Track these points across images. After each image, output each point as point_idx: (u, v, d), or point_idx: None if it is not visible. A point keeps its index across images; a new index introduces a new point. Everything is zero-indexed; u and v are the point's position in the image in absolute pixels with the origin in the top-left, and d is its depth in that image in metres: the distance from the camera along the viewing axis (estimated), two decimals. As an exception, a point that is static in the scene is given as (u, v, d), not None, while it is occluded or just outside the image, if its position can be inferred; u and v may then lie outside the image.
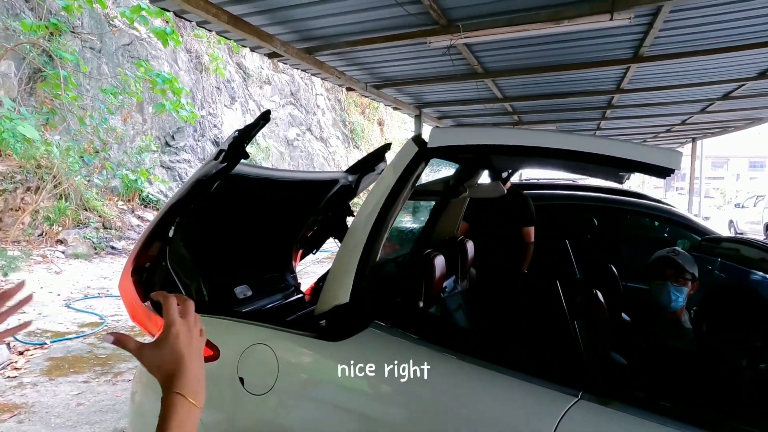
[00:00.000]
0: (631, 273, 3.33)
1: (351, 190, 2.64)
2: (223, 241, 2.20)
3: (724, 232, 4.14)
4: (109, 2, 11.14)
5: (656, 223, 4.50)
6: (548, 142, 1.48)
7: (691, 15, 4.05)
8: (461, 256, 2.26)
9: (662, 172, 1.28)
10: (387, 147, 2.78)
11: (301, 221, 2.63)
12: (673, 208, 4.45)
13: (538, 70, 5.69)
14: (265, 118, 1.70)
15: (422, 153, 1.55)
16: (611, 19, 3.69)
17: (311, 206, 2.59)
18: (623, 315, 2.17)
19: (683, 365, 1.68)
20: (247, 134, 1.66)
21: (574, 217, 4.49)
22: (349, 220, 2.88)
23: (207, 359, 1.59)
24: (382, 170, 2.73)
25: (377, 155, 2.65)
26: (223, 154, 1.64)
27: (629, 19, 3.68)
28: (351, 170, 2.62)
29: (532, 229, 3.41)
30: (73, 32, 10.85)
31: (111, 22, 11.86)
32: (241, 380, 1.54)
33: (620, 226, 4.33)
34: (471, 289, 2.32)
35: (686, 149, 15.04)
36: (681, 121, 9.79)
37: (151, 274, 1.83)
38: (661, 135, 12.10)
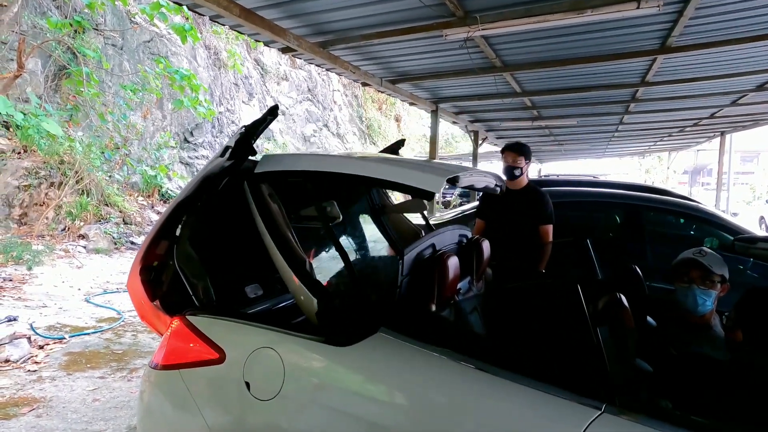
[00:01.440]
0: (656, 273, 3.20)
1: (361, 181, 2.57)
2: (232, 240, 2.16)
3: (754, 229, 3.96)
4: None
5: (682, 221, 4.34)
6: (333, 167, 1.65)
7: (726, 1, 3.86)
8: (476, 256, 2.18)
9: (424, 194, 1.36)
10: (401, 143, 2.72)
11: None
12: (699, 205, 4.28)
13: (558, 63, 5.53)
14: (272, 113, 1.65)
15: (251, 178, 1.70)
16: (638, 8, 3.53)
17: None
18: (648, 319, 2.06)
19: (713, 374, 1.58)
20: (254, 130, 1.61)
21: (595, 214, 4.35)
22: (362, 217, 2.83)
23: (213, 362, 1.57)
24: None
25: (391, 151, 2.59)
26: (230, 150, 1.59)
27: (658, 6, 3.51)
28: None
29: (550, 228, 3.29)
30: (96, 29, 11.02)
31: (132, 18, 12.01)
32: (247, 385, 1.50)
33: (644, 223, 4.17)
34: (486, 291, 2.24)
35: (714, 143, 14.59)
36: (710, 114, 9.45)
37: (159, 273, 1.80)
38: (687, 129, 11.73)
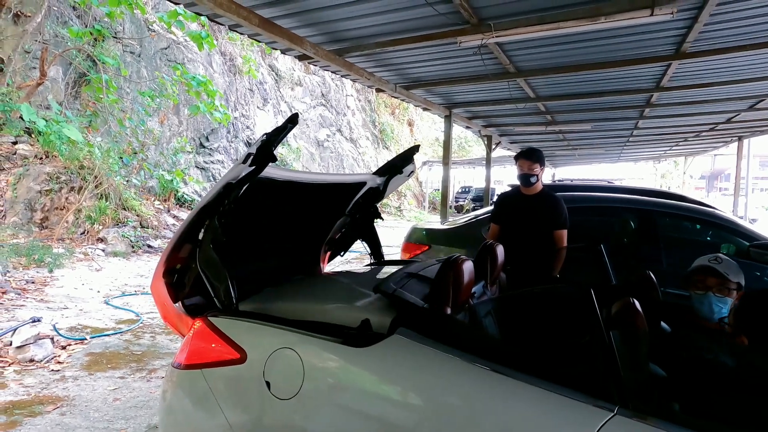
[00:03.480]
0: (671, 279, 3.19)
1: (379, 193, 2.63)
2: (252, 244, 2.22)
3: (773, 236, 3.91)
4: (148, 8, 11.53)
5: (698, 227, 4.31)
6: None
7: (741, 7, 3.84)
8: (490, 260, 2.21)
9: None
10: (416, 149, 2.76)
11: (329, 223, 2.63)
12: (716, 211, 4.24)
13: (572, 69, 5.53)
14: (292, 121, 1.70)
15: None
16: (652, 14, 3.53)
17: (339, 209, 2.59)
18: (663, 324, 2.07)
19: (727, 380, 1.59)
20: (275, 138, 1.66)
21: (609, 220, 4.34)
22: (377, 222, 2.88)
23: (234, 362, 1.62)
24: (411, 172, 2.73)
25: (405, 157, 2.63)
26: (251, 157, 1.64)
27: (671, 13, 3.51)
28: (379, 173, 2.61)
29: (564, 233, 3.30)
30: (115, 37, 11.28)
31: (150, 27, 12.26)
32: (268, 384, 1.54)
33: (659, 229, 4.15)
34: (501, 295, 2.26)
35: (732, 148, 14.38)
36: (726, 120, 9.34)
37: (182, 275, 1.86)
38: (704, 134, 11.59)
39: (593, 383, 1.27)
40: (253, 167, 1.68)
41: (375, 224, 2.85)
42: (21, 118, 8.69)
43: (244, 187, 1.76)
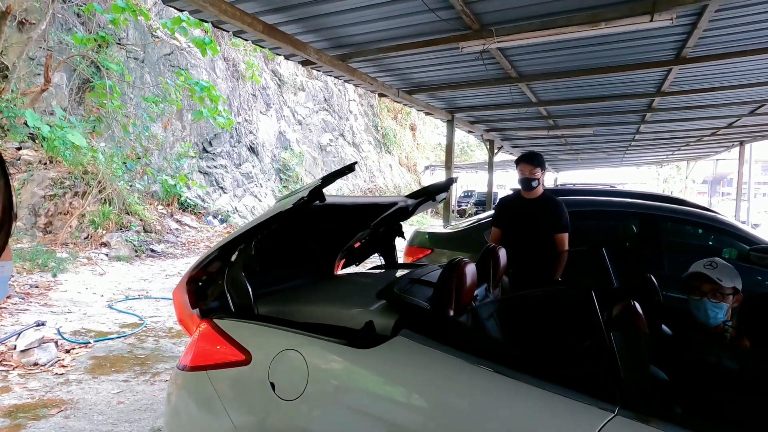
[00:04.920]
0: (673, 283, 3.20)
1: (407, 213, 2.68)
2: (277, 256, 2.25)
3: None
4: (151, 14, 11.62)
5: (700, 231, 4.32)
6: None
7: (740, 13, 3.88)
8: (493, 263, 2.23)
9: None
10: (453, 180, 2.86)
11: (350, 235, 2.67)
12: (718, 215, 4.25)
13: (573, 74, 5.57)
14: (350, 169, 1.73)
15: None
16: (652, 20, 3.57)
17: (365, 223, 2.63)
18: (664, 327, 2.08)
19: (727, 382, 1.60)
20: (329, 182, 1.67)
21: (611, 224, 4.35)
22: (398, 240, 2.94)
23: (239, 363, 1.64)
24: (443, 199, 2.81)
25: (442, 187, 2.71)
26: (303, 200, 1.62)
27: (671, 19, 3.54)
28: (412, 195, 2.69)
29: (566, 236, 3.32)
30: (119, 44, 11.37)
31: (154, 33, 12.36)
32: (272, 385, 1.56)
33: (661, 233, 4.16)
34: (503, 297, 2.28)
35: (734, 153, 14.39)
36: (728, 124, 9.36)
37: (206, 286, 1.89)
38: (705, 138, 11.61)
39: (594, 384, 1.29)
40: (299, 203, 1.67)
41: (395, 241, 2.92)
42: (25, 123, 8.75)
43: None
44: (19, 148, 9.09)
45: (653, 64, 5.16)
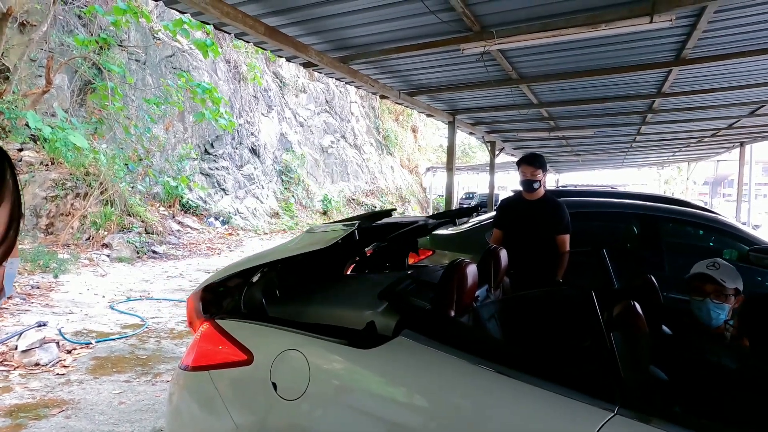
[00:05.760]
0: (674, 283, 3.20)
1: (425, 230, 2.70)
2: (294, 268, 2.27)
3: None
4: (153, 16, 11.66)
5: (701, 232, 4.32)
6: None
7: (738, 14, 3.89)
8: (494, 264, 2.24)
9: None
10: (476, 209, 2.90)
11: (364, 245, 2.69)
12: (718, 216, 4.26)
13: (574, 75, 5.58)
14: (388, 214, 1.74)
15: None
16: (651, 22, 3.58)
17: (382, 237, 2.66)
18: (664, 327, 2.09)
19: (727, 382, 1.60)
20: (366, 223, 1.69)
21: (612, 225, 4.36)
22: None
23: (241, 363, 1.64)
24: (464, 223, 2.86)
25: (465, 213, 2.75)
26: (341, 240, 1.63)
27: (670, 21, 3.55)
28: (434, 216, 2.74)
29: (567, 238, 3.33)
30: (121, 46, 11.40)
31: (155, 35, 12.39)
32: (274, 385, 1.57)
33: (662, 234, 4.17)
34: (504, 298, 2.29)
35: (734, 154, 14.39)
36: (728, 125, 9.37)
37: (222, 297, 1.91)
38: (706, 140, 11.61)
39: (594, 384, 1.29)
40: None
41: (406, 257, 2.96)
42: (27, 125, 8.77)
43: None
44: (20, 150, 9.11)
45: (653, 65, 5.17)
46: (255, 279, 1.82)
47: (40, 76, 9.62)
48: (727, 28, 4.19)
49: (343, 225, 1.68)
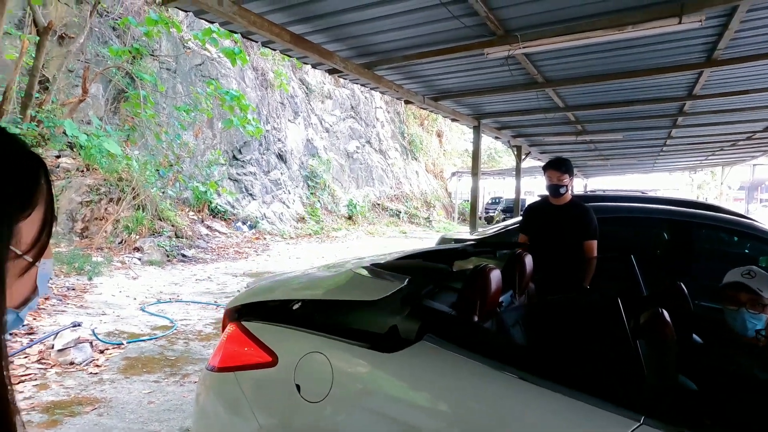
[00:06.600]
0: (706, 291, 3.11)
1: (466, 255, 2.76)
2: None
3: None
4: (183, 26, 12.00)
5: (735, 239, 4.18)
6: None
7: (773, 14, 3.76)
8: (519, 270, 2.22)
9: None
10: (519, 247, 2.95)
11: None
12: (755, 223, 4.11)
13: (601, 78, 5.48)
14: (440, 273, 1.76)
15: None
16: (680, 23, 3.49)
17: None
18: (694, 336, 2.03)
19: (759, 394, 1.55)
20: (420, 288, 1.71)
21: (641, 231, 4.26)
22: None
23: (266, 365, 1.68)
24: (503, 254, 2.91)
25: (503, 246, 2.81)
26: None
27: (700, 21, 3.46)
28: (478, 244, 2.78)
29: (594, 243, 3.26)
30: (152, 55, 11.77)
31: (185, 44, 12.75)
32: (298, 387, 1.59)
33: (694, 241, 4.05)
34: (529, 304, 2.26)
35: (772, 158, 13.84)
36: (764, 128, 9.03)
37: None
38: (740, 143, 11.21)
39: (619, 392, 1.27)
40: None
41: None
42: (64, 133, 9.14)
43: None
44: (58, 156, 9.49)
45: (683, 67, 5.04)
46: (295, 307, 1.83)
47: (77, 85, 10.02)
48: (760, 28, 4.05)
49: (391, 276, 1.67)
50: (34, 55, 8.96)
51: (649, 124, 8.64)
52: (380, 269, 1.80)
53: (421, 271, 1.73)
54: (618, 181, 28.79)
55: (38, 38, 8.96)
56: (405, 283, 1.60)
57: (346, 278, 1.84)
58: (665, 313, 1.57)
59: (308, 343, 1.64)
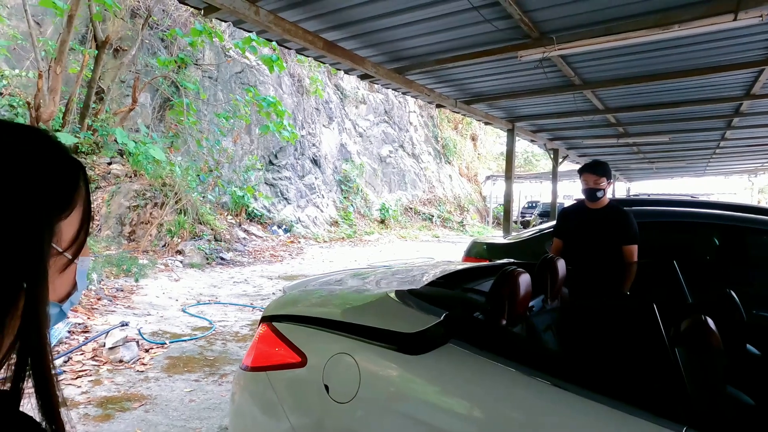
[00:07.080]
0: (763, 300, 2.94)
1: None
2: None
3: None
4: (225, 35, 12.41)
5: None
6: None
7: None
8: (550, 275, 2.16)
9: None
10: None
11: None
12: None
13: (644, 79, 5.28)
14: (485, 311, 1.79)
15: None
16: (735, 19, 3.29)
17: None
18: (749, 347, 1.92)
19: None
20: (454, 320, 1.69)
21: (689, 236, 4.06)
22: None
23: (296, 365, 1.70)
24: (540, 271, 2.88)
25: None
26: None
27: (760, 17, 3.25)
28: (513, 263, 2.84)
29: (635, 248, 3.14)
30: (196, 64, 12.23)
31: (227, 53, 13.17)
32: (327, 387, 1.61)
33: (749, 247, 3.82)
34: (562, 309, 2.20)
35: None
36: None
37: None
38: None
39: (658, 401, 1.22)
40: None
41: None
42: (115, 141, 9.61)
43: None
44: (109, 163, 9.99)
45: (739, 65, 4.77)
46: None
47: (128, 95, 10.53)
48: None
49: (427, 308, 1.66)
50: (92, 68, 9.48)
51: (699, 125, 8.27)
52: (416, 297, 1.76)
53: (460, 303, 1.69)
54: (666, 185, 27.64)
55: (96, 52, 9.48)
56: (442, 318, 1.57)
57: (379, 302, 1.82)
58: (709, 320, 1.49)
59: (336, 344, 1.66)
